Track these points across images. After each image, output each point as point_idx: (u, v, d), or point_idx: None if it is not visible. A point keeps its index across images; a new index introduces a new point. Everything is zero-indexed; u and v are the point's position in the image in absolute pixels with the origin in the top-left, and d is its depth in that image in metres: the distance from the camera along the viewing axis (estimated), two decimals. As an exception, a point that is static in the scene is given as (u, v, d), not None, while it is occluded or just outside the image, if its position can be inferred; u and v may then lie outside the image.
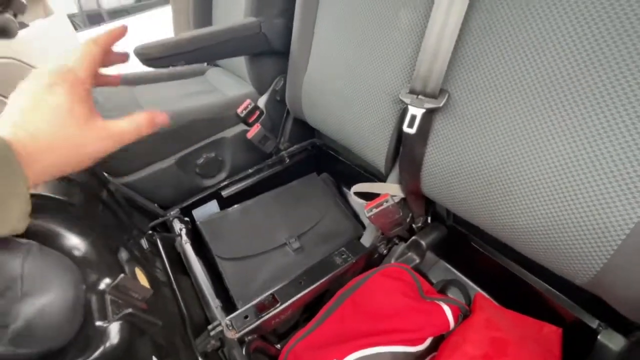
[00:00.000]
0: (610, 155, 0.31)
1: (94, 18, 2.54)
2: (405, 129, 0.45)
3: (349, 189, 0.73)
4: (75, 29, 1.90)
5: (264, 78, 0.86)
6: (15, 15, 0.73)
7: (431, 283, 0.62)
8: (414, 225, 0.61)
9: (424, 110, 0.43)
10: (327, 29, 0.61)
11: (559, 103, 0.33)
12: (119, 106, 0.82)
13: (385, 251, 0.62)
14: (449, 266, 0.68)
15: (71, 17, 2.23)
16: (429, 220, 0.63)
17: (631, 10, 0.28)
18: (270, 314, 0.49)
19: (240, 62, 0.90)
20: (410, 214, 0.58)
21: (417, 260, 0.61)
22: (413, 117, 0.44)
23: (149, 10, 2.74)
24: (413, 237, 0.62)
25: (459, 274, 0.67)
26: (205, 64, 1.18)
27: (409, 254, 0.62)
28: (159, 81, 1.04)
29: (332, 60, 0.60)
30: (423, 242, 0.60)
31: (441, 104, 0.42)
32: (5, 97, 1.09)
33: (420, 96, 0.44)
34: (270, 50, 0.78)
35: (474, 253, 0.58)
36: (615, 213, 0.30)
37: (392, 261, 0.62)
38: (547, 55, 0.34)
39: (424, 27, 0.44)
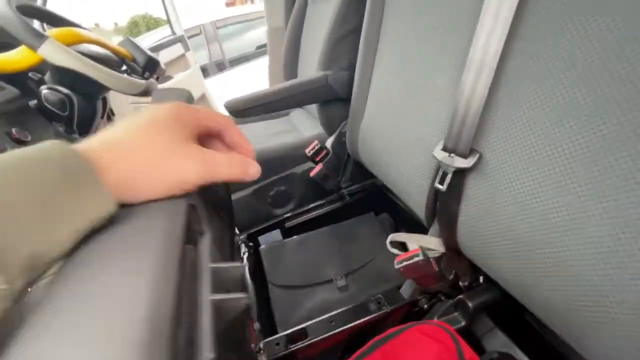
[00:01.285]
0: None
1: (220, 66, 3.17)
2: (437, 184, 0.45)
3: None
4: (205, 77, 2.40)
5: (332, 121, 0.94)
6: (157, 79, 0.99)
7: (482, 352, 0.55)
8: (460, 284, 0.57)
9: (454, 169, 0.43)
10: (381, 81, 0.65)
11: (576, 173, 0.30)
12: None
13: (426, 306, 0.59)
14: (506, 337, 0.60)
15: (203, 67, 2.82)
16: (482, 280, 0.58)
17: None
18: (298, 347, 0.52)
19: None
20: (454, 271, 0.55)
21: (463, 323, 0.56)
22: (444, 175, 0.44)
23: (264, 57, 3.26)
24: (459, 296, 0.57)
25: (517, 349, 0.58)
26: (291, 105, 1.34)
27: (455, 314, 0.58)
28: (251, 122, 1.24)
29: (384, 109, 0.63)
30: (470, 304, 0.55)
31: (470, 164, 0.41)
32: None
33: (452, 154, 0.43)
34: (336, 97, 0.86)
35: (525, 327, 0.51)
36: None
37: (435, 318, 0.58)
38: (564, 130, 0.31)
39: (455, 89, 0.44)
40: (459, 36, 0.44)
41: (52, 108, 0.64)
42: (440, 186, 0.45)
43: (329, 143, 0.94)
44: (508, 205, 0.38)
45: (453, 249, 0.50)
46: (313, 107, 1.13)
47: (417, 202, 0.54)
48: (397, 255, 0.62)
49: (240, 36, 3.56)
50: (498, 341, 0.62)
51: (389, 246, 0.56)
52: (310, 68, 1.08)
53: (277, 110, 0.86)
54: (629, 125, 0.27)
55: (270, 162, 0.90)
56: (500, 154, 0.39)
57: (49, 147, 0.20)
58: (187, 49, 2.04)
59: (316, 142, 0.91)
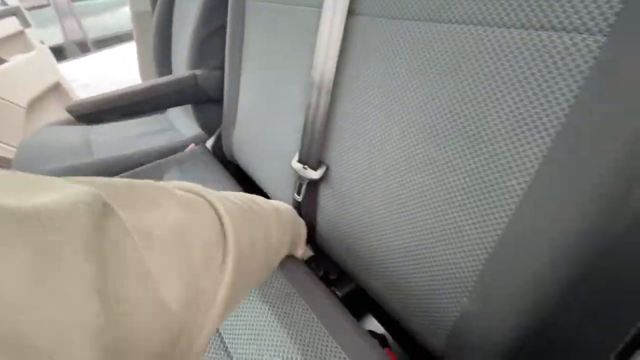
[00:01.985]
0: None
1: (81, 47, 2.63)
2: (294, 195, 0.48)
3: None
4: (61, 60, 1.97)
5: (210, 123, 0.89)
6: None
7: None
8: (330, 277, 0.63)
9: (307, 180, 0.46)
10: (248, 88, 0.65)
11: (411, 148, 0.36)
12: (68, 147, 0.86)
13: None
14: (375, 320, 0.69)
15: (58, 48, 2.31)
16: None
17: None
18: None
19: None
20: (323, 269, 0.60)
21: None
22: (300, 185, 0.47)
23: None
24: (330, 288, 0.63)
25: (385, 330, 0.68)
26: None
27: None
28: (117, 120, 1.08)
29: (252, 118, 0.63)
30: (339, 293, 0.62)
31: (319, 176, 0.45)
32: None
33: (305, 166, 0.47)
34: (209, 99, 0.82)
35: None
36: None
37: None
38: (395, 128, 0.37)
39: (304, 105, 0.47)
40: (305, 53, 0.47)
41: None
42: (297, 196, 0.48)
43: (209, 144, 0.89)
44: (354, 211, 0.43)
45: (319, 251, 0.55)
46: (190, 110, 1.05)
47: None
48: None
49: (112, 11, 3.02)
50: (372, 324, 0.71)
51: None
52: (183, 64, 0.99)
53: (139, 113, 0.77)
54: (423, 126, 0.34)
55: (143, 172, 0.81)
56: (343, 165, 0.43)
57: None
58: (26, 24, 1.63)
59: (192, 145, 0.86)
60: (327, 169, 0.45)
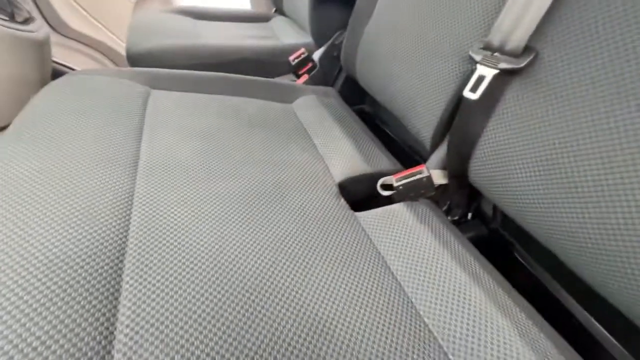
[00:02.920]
0: None
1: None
2: (466, 93, 0.36)
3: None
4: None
5: (325, 30, 0.79)
6: None
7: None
8: (449, 218, 0.53)
9: (496, 71, 0.34)
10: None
11: None
12: (179, 29, 0.82)
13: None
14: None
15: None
16: (469, 217, 0.54)
17: None
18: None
19: (306, 13, 0.84)
20: (448, 203, 0.49)
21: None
22: (480, 79, 0.35)
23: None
24: (445, 231, 0.53)
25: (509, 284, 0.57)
26: (273, 10, 1.14)
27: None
28: (223, 20, 1.03)
29: (401, 7, 0.51)
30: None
31: (522, 64, 0.32)
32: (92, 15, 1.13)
33: (497, 54, 0.34)
34: (336, -3, 0.71)
35: (515, 266, 0.48)
36: None
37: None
38: None
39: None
40: None
41: None
42: (471, 94, 0.36)
43: (316, 55, 0.80)
44: (562, 121, 0.30)
45: (458, 177, 0.44)
46: (299, 15, 0.95)
47: (425, 120, 0.46)
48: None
49: None
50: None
51: (379, 189, 0.47)
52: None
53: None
54: None
55: (247, 64, 0.75)
56: (565, 53, 0.30)
57: None
58: None
59: (303, 49, 0.77)
60: (536, 56, 0.32)
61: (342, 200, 0.42)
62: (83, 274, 0.26)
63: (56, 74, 0.70)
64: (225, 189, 0.38)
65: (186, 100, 0.54)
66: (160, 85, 0.55)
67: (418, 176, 0.42)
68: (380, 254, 0.36)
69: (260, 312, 0.27)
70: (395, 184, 0.42)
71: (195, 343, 0.24)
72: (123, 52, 0.99)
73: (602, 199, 0.27)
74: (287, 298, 0.29)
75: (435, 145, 0.47)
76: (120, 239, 0.30)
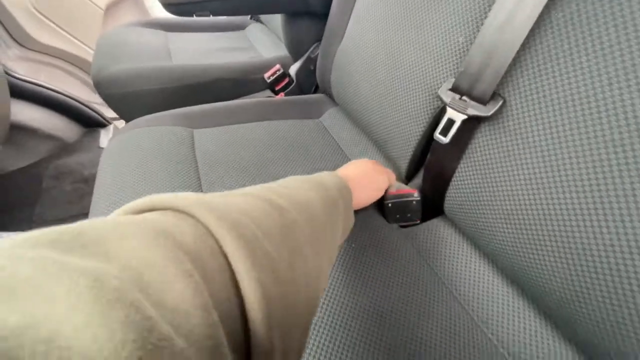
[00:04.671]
0: None
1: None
2: (437, 136, 0.36)
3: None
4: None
5: (300, 43, 0.77)
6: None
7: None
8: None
9: (465, 117, 0.33)
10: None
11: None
12: (148, 49, 0.79)
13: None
14: None
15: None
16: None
17: None
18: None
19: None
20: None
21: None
22: (450, 123, 0.35)
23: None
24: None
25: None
26: (249, 17, 1.10)
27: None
28: (196, 31, 0.99)
29: (372, 31, 0.50)
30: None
31: (490, 113, 0.32)
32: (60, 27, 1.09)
33: (464, 97, 0.34)
34: (308, 10, 0.68)
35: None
36: None
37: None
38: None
39: (484, 13, 0.33)
40: None
41: None
42: (441, 137, 0.35)
43: (293, 70, 0.78)
44: (522, 175, 0.30)
45: (430, 210, 0.44)
46: (275, 22, 0.92)
47: (400, 151, 0.45)
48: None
49: None
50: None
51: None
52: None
53: (226, 14, 0.66)
54: None
55: (222, 84, 0.72)
56: (532, 102, 0.30)
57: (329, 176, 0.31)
58: None
59: (278, 66, 0.75)
60: (504, 104, 0.31)
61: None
62: None
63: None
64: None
65: (227, 134, 0.54)
66: (198, 124, 0.55)
67: (410, 198, 0.41)
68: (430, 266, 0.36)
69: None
70: (386, 201, 0.42)
71: None
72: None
73: (570, 254, 0.27)
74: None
75: (410, 177, 0.47)
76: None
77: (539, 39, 0.29)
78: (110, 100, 0.67)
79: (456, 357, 0.32)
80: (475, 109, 0.32)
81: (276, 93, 0.76)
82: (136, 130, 0.52)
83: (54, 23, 1.24)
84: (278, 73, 0.74)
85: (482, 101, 0.32)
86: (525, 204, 0.30)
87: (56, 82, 1.17)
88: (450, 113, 0.35)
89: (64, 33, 1.28)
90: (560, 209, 0.28)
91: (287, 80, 0.76)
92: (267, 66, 0.76)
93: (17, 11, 1.11)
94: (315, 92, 0.78)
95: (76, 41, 1.31)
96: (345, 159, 0.54)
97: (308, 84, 0.77)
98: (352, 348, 0.30)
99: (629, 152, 0.24)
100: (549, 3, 0.27)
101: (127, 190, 0.42)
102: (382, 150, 0.52)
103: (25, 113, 0.96)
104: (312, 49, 0.76)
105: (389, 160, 0.51)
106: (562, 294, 0.29)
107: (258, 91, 0.78)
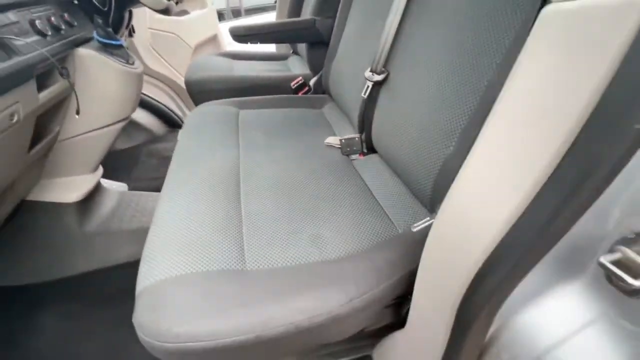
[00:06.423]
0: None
1: (235, 13, 3.25)
2: (362, 94, 0.66)
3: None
4: (220, 20, 2.53)
5: (318, 63, 1.13)
6: (176, 3, 1.16)
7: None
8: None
9: (372, 82, 0.63)
10: (349, 27, 0.84)
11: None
12: (219, 66, 1.20)
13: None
14: None
15: (220, 11, 2.93)
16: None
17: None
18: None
19: (309, 53, 1.19)
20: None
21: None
22: (367, 87, 0.65)
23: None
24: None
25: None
26: (291, 51, 1.52)
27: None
28: (252, 59, 1.42)
29: (348, 49, 0.83)
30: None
31: (381, 78, 0.61)
32: (164, 58, 1.62)
33: (373, 73, 0.64)
34: (322, 40, 1.04)
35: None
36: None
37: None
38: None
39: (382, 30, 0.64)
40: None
41: (95, 2, 0.82)
42: (363, 96, 0.65)
43: (312, 81, 1.13)
44: (403, 109, 0.59)
45: (369, 148, 0.72)
46: (305, 52, 1.31)
47: (355, 113, 0.75)
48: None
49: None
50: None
51: (329, 140, 0.76)
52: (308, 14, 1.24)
53: (270, 42, 1.04)
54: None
55: (262, 88, 1.10)
56: (400, 73, 0.59)
57: None
58: (204, -11, 2.15)
59: (301, 78, 1.10)
60: (388, 74, 0.61)
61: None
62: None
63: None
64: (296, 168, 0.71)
65: (260, 113, 0.88)
66: (244, 106, 0.90)
67: (353, 137, 0.71)
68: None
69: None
70: (338, 141, 0.71)
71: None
72: (182, 84, 1.44)
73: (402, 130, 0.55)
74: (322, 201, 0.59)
75: (360, 127, 0.76)
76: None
77: (399, 40, 0.59)
78: (193, 92, 1.08)
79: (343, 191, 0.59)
80: (376, 77, 0.62)
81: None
82: (205, 107, 0.88)
83: (160, 55, 1.79)
84: (300, 82, 1.09)
85: (380, 73, 0.62)
86: (397, 121, 0.58)
87: (154, 94, 1.69)
88: (367, 83, 0.65)
89: (164, 62, 1.82)
90: (410, 122, 0.56)
91: (307, 88, 1.11)
92: (294, 78, 1.12)
93: (142, 49, 1.66)
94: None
95: (171, 68, 1.84)
96: (331, 131, 0.84)
97: (320, 91, 1.12)
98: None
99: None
100: (400, 25, 0.57)
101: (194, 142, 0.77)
102: (351, 121, 0.82)
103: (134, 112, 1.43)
104: (325, 67, 1.11)
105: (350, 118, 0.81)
106: (401, 153, 0.55)
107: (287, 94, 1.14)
